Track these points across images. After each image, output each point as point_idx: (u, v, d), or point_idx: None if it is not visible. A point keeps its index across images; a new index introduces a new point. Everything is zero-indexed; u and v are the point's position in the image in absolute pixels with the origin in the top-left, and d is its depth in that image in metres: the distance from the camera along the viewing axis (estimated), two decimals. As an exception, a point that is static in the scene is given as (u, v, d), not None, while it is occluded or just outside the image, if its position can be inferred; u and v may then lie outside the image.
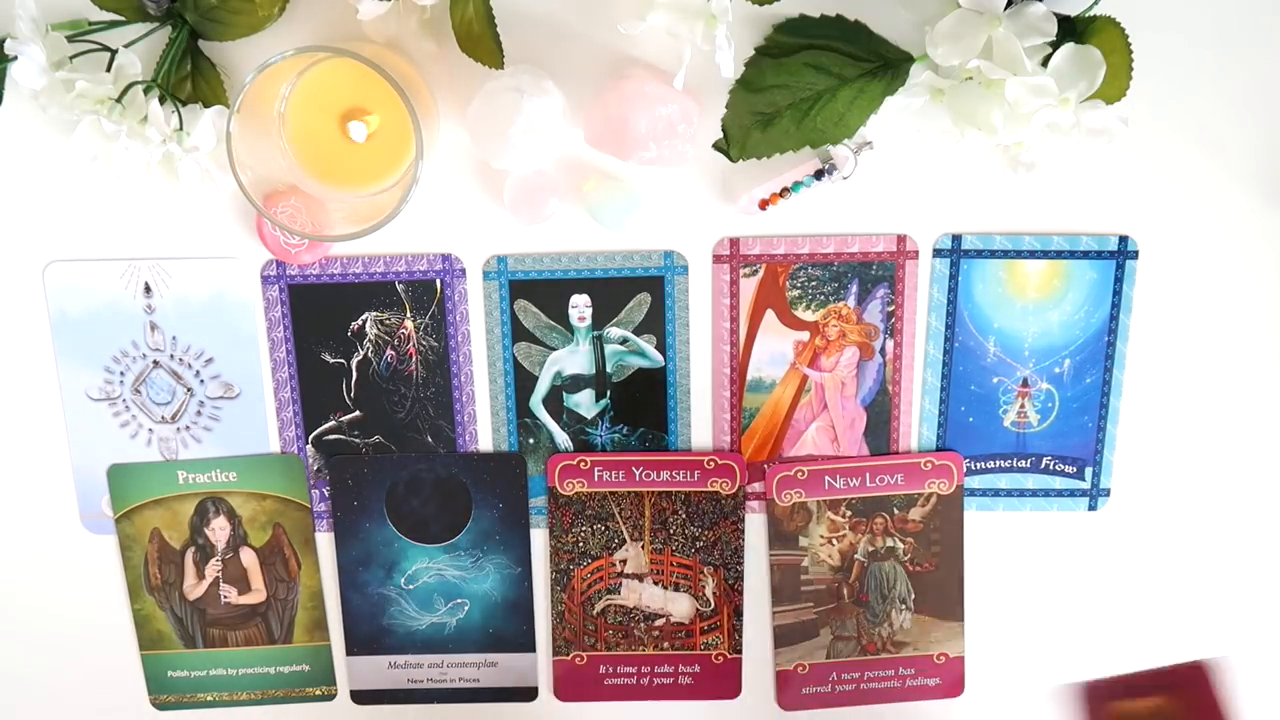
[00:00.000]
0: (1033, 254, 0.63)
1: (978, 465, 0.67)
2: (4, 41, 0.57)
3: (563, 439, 0.67)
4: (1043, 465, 0.67)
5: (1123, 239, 0.63)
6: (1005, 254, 0.63)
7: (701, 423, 0.66)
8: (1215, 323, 0.64)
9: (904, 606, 0.69)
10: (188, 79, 0.59)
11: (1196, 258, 0.63)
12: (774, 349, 0.65)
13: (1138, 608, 0.70)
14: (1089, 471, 0.67)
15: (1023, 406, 0.66)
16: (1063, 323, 0.64)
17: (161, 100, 0.56)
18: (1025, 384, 0.65)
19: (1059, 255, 0.63)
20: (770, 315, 0.64)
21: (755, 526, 0.68)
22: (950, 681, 0.71)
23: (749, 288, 0.64)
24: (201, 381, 0.66)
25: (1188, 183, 0.62)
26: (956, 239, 0.63)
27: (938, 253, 0.63)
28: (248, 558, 0.69)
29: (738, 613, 0.69)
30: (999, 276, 0.64)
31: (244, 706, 0.72)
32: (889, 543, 0.68)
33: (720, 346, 0.65)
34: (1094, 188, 0.62)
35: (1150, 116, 0.60)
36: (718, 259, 0.63)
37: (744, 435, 0.67)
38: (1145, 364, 0.65)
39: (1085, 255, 0.63)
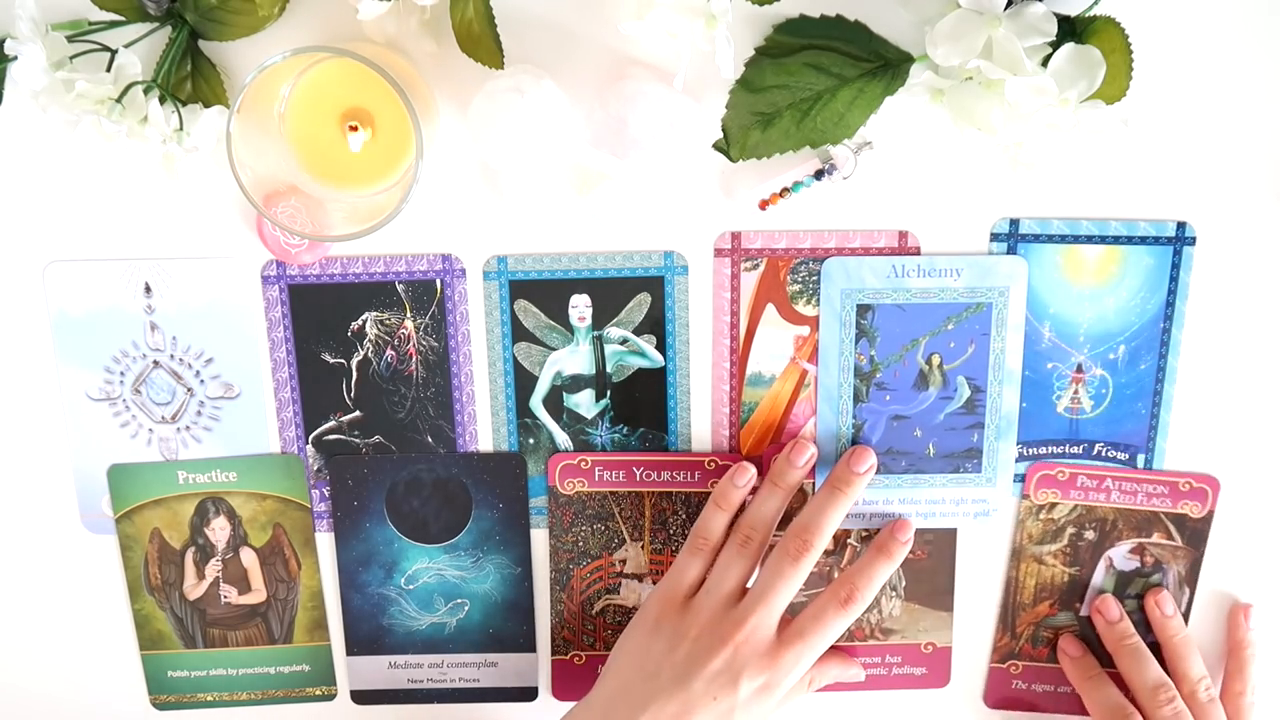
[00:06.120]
0: (1090, 239, 0.63)
1: (1029, 451, 0.67)
2: (4, 41, 0.57)
3: (563, 439, 0.67)
4: (1095, 452, 0.67)
5: (1180, 225, 0.63)
6: (1063, 239, 0.63)
7: (701, 422, 0.67)
8: (1272, 310, 0.64)
9: (894, 594, 0.69)
10: (188, 79, 0.59)
11: (1255, 245, 0.63)
12: (774, 343, 0.65)
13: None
14: (1141, 458, 0.67)
15: (1076, 392, 0.66)
16: (1118, 309, 0.64)
17: (161, 100, 0.56)
18: (1080, 370, 0.65)
19: (1116, 241, 0.63)
20: (771, 309, 0.65)
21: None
22: (936, 672, 0.71)
23: (750, 282, 0.64)
24: (201, 381, 0.66)
25: (1247, 170, 0.62)
26: (1014, 223, 0.63)
27: (994, 237, 0.63)
28: (248, 558, 0.69)
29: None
30: (1055, 261, 0.63)
31: (244, 706, 0.72)
32: None
33: (720, 340, 0.65)
34: (1152, 174, 0.62)
35: (1208, 103, 0.61)
36: (719, 252, 0.64)
37: (743, 430, 0.67)
38: (1200, 351, 0.65)
39: (1143, 241, 0.63)
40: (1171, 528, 0.67)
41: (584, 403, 0.66)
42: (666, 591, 0.64)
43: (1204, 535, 0.67)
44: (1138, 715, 0.64)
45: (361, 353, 0.65)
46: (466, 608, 0.70)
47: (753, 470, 0.64)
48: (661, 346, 0.65)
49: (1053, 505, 0.67)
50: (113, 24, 0.58)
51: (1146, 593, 0.68)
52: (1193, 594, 0.68)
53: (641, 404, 0.66)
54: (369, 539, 0.69)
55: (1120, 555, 0.68)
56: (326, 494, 0.68)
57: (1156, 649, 0.67)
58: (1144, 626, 0.68)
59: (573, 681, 0.71)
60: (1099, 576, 0.68)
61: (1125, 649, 0.67)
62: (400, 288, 0.64)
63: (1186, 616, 0.69)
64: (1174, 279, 0.64)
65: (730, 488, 0.64)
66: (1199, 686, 0.65)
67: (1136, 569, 0.68)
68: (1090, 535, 0.68)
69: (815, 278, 0.64)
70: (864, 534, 0.68)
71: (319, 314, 0.65)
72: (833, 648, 0.66)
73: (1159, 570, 0.68)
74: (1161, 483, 0.67)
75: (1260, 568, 0.68)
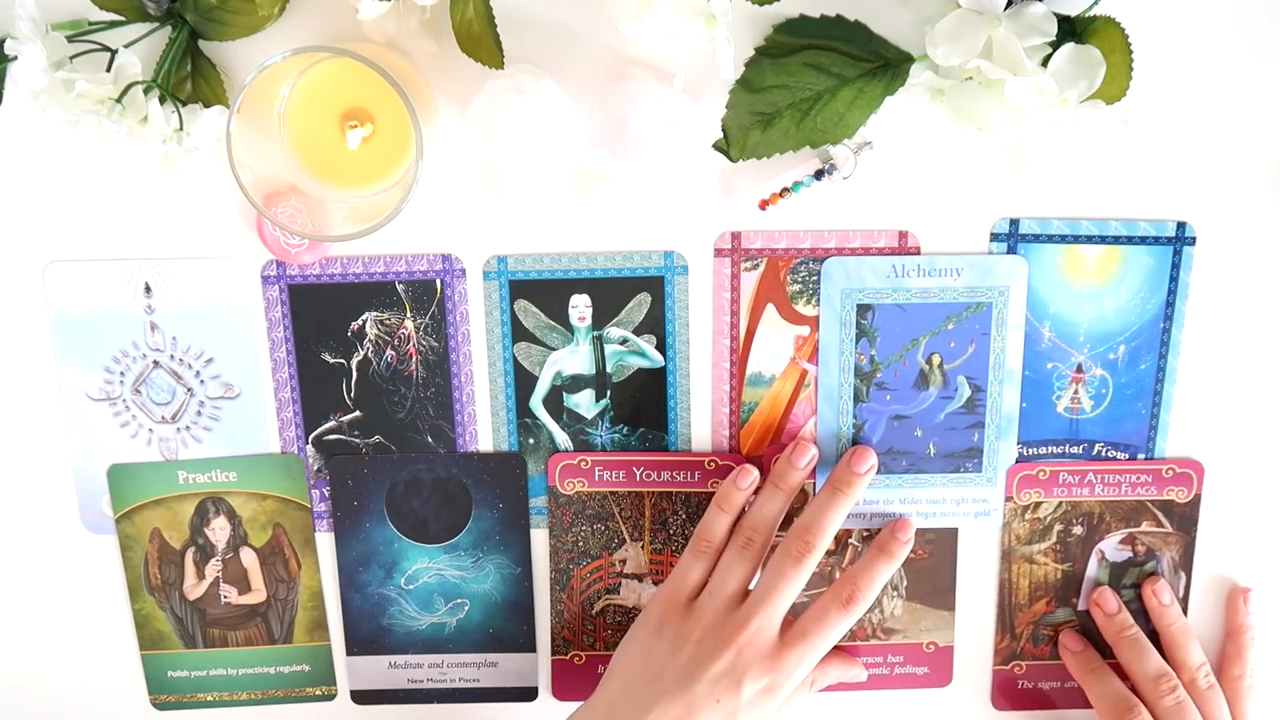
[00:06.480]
0: (1090, 239, 0.63)
1: (1029, 451, 0.67)
2: (4, 41, 0.57)
3: (563, 439, 0.67)
4: (1095, 452, 0.67)
5: (1180, 225, 0.63)
6: (1063, 239, 0.63)
7: (701, 422, 0.67)
8: (1272, 310, 0.64)
9: (896, 593, 0.69)
10: (188, 79, 0.59)
11: (1255, 245, 0.63)
12: (774, 343, 0.65)
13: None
14: (1141, 458, 0.67)
15: (1076, 392, 0.66)
16: (1118, 309, 0.64)
17: (161, 100, 0.56)
18: (1080, 370, 0.65)
19: (1116, 241, 0.63)
20: (771, 309, 0.65)
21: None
22: (938, 671, 0.71)
23: (750, 282, 0.64)
24: (201, 381, 0.66)
25: (1247, 170, 0.62)
26: (1014, 223, 0.63)
27: (994, 237, 0.63)
28: (248, 558, 0.69)
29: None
30: (1055, 261, 0.63)
31: (244, 706, 0.72)
32: None
33: (720, 340, 0.65)
34: (1152, 174, 0.62)
35: (1208, 103, 0.61)
36: (719, 252, 0.64)
37: (743, 430, 0.67)
38: (1200, 351, 0.65)
39: (1143, 241, 0.63)
40: (1159, 515, 0.67)
41: (584, 403, 0.66)
42: (669, 594, 0.64)
43: (1193, 519, 0.67)
44: (1141, 706, 0.65)
45: (361, 353, 0.65)
46: (466, 608, 0.70)
47: (755, 473, 0.64)
48: (661, 346, 0.65)
49: (1037, 505, 0.67)
50: (113, 24, 0.58)
51: (1144, 582, 0.68)
52: (1189, 578, 0.69)
53: (641, 404, 0.66)
54: (369, 539, 0.69)
55: (1111, 547, 0.68)
56: (326, 494, 0.68)
57: (1155, 637, 0.67)
58: (1142, 616, 0.68)
59: (573, 681, 0.71)
60: (1093, 569, 0.69)
61: (1125, 640, 0.67)
62: (400, 288, 0.64)
63: (1184, 601, 0.69)
64: (1174, 279, 0.64)
65: (733, 490, 0.64)
66: (1199, 674, 0.66)
67: (1129, 559, 0.68)
68: (1079, 530, 0.68)
69: (815, 278, 0.64)
70: (865, 534, 0.68)
71: (319, 314, 0.65)
72: (835, 648, 0.66)
73: (1152, 558, 0.68)
74: (1145, 471, 0.67)
75: (1255, 548, 0.68)
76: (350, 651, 0.71)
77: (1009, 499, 0.67)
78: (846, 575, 0.64)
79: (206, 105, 0.59)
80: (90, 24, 0.58)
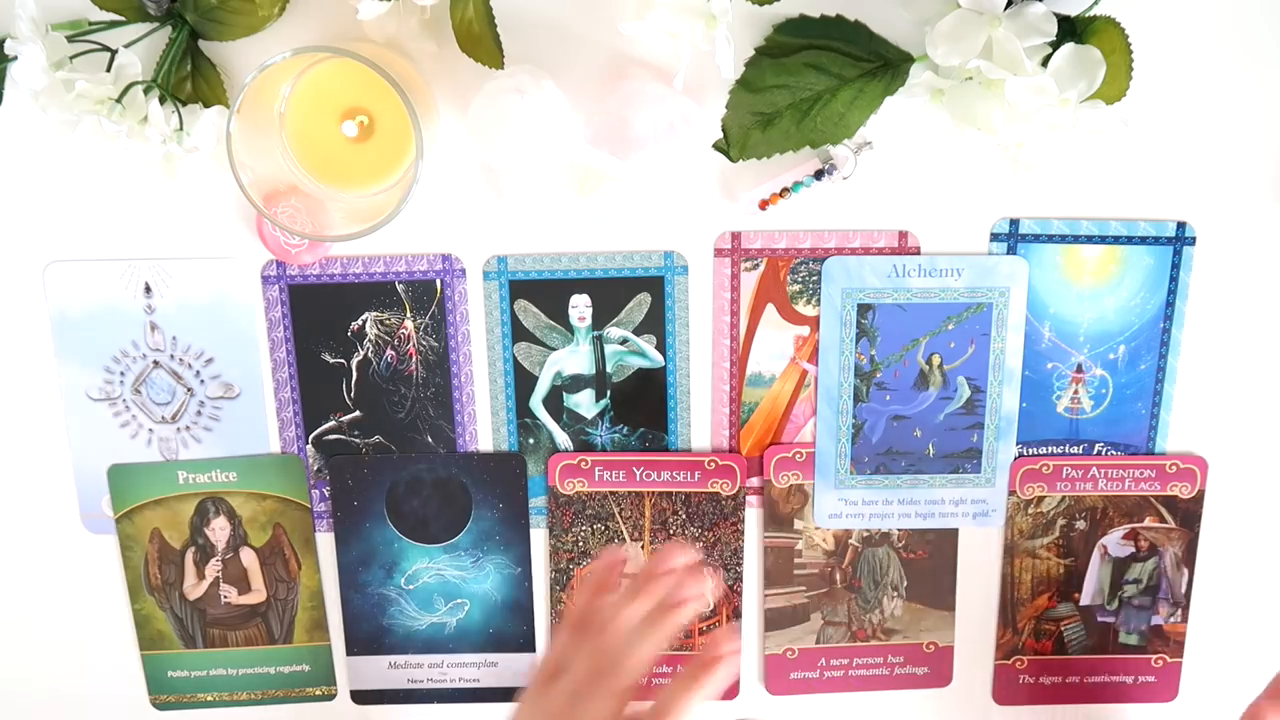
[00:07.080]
0: (1090, 239, 0.63)
1: (1029, 451, 0.67)
2: (4, 41, 0.57)
3: (563, 439, 0.67)
4: (1095, 452, 0.67)
5: (1180, 225, 0.63)
6: (1063, 239, 0.63)
7: (701, 422, 0.67)
8: (1272, 310, 0.65)
9: (896, 593, 0.69)
10: (188, 79, 0.59)
11: (1255, 245, 0.63)
12: (774, 343, 0.65)
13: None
14: None
15: (1076, 392, 0.66)
16: (1118, 308, 0.64)
17: (161, 100, 0.56)
18: (1080, 370, 0.65)
19: (1116, 241, 0.63)
20: (771, 309, 0.65)
21: (752, 519, 0.68)
22: (939, 671, 0.71)
23: (750, 282, 0.64)
24: (201, 381, 0.66)
25: (1247, 170, 0.62)
26: (1014, 223, 0.63)
27: (994, 237, 0.63)
28: (248, 558, 0.69)
29: (737, 613, 0.70)
30: (1055, 261, 0.64)
31: (244, 706, 0.72)
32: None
33: (720, 340, 0.65)
34: (1152, 174, 0.62)
35: (1208, 103, 0.61)
36: (719, 252, 0.64)
37: (743, 429, 0.67)
38: (1200, 351, 0.65)
39: (1143, 241, 0.63)
40: (1163, 510, 0.67)
41: (584, 403, 0.66)
42: (539, 665, 0.55)
43: (1196, 515, 0.68)
44: None
45: (361, 353, 0.65)
46: (466, 608, 0.70)
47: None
48: (661, 346, 0.65)
49: (1040, 499, 0.67)
50: (113, 24, 0.58)
51: None
52: (1191, 575, 0.69)
53: (641, 404, 0.66)
54: (369, 539, 0.69)
55: (1114, 542, 0.68)
56: (326, 494, 0.68)
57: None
58: (1143, 611, 0.68)
59: (573, 681, 0.71)
60: (1095, 565, 0.69)
61: None
62: (400, 288, 0.64)
63: (1187, 597, 0.69)
64: (1174, 279, 0.64)
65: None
66: None
67: (1132, 554, 0.68)
68: (1081, 525, 0.68)
69: (815, 278, 0.64)
70: (865, 534, 0.68)
71: (319, 314, 0.65)
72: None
73: (1155, 554, 0.68)
74: (1148, 466, 0.67)
75: (1257, 545, 0.69)
76: (350, 651, 0.71)
77: (1012, 493, 0.67)
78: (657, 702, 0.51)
79: (206, 105, 0.59)
80: (90, 24, 0.58)
